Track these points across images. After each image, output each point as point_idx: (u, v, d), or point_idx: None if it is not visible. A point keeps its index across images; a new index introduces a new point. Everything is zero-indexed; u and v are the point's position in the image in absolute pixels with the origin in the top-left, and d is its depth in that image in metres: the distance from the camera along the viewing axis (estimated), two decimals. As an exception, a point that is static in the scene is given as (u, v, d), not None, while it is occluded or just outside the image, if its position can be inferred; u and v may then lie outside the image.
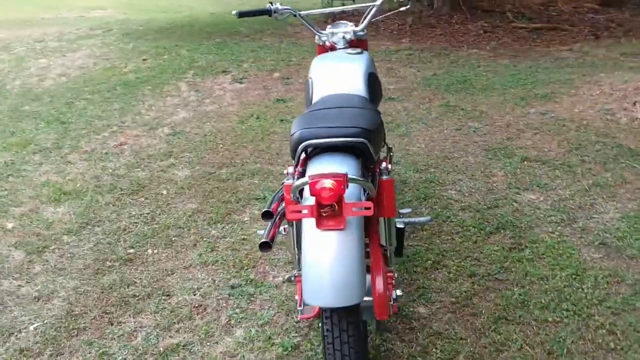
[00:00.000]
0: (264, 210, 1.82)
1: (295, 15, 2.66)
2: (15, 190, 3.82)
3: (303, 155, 1.90)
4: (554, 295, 2.55)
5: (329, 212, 1.59)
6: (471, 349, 2.29)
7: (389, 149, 2.68)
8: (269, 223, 1.80)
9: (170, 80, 6.32)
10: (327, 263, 1.60)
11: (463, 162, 3.91)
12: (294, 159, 1.87)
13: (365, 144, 1.80)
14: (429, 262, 2.84)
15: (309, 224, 1.63)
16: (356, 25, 2.70)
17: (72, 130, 4.94)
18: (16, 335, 2.44)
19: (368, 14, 2.69)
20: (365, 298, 1.86)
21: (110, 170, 4.06)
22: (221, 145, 4.39)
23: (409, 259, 2.86)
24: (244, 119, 4.93)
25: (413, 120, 4.74)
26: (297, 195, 1.73)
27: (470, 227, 3.12)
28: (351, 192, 1.67)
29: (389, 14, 2.93)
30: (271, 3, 2.61)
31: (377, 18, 2.72)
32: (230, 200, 3.52)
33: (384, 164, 1.95)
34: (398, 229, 2.23)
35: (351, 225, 1.62)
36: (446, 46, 7.22)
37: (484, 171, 3.76)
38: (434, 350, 2.29)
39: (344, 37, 2.64)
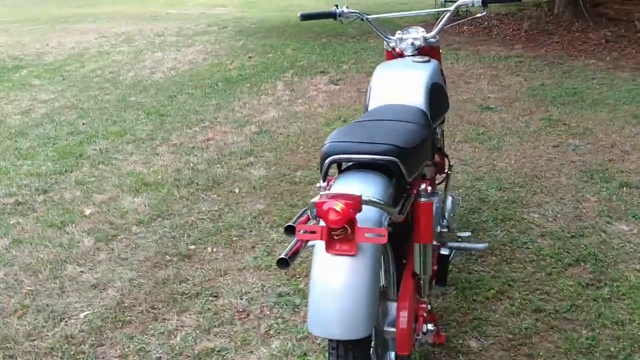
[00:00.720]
0: (286, 225, 1.72)
1: (362, 19, 2.54)
2: (102, 177, 4.01)
3: (334, 169, 1.79)
4: (627, 344, 2.24)
5: (341, 235, 1.46)
6: (518, 394, 2.07)
7: (450, 167, 2.49)
8: (294, 239, 1.69)
9: (270, 79, 6.40)
10: (333, 291, 1.47)
11: (554, 183, 3.59)
12: (321, 172, 1.76)
13: (396, 163, 1.65)
14: (492, 291, 2.61)
15: (319, 247, 1.51)
16: (428, 32, 2.52)
17: (168, 123, 5.12)
18: (66, 322, 2.52)
19: (441, 20, 2.50)
20: (390, 329, 1.73)
21: (191, 165, 4.16)
22: (301, 147, 4.36)
23: (470, 285, 2.65)
24: (330, 121, 4.86)
25: (508, 133, 4.45)
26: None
27: (547, 257, 2.84)
28: (371, 216, 1.53)
29: (462, 20, 2.72)
30: (337, 6, 2.50)
31: (452, 24, 2.53)
32: (298, 204, 3.46)
33: (422, 185, 1.79)
34: (442, 256, 2.06)
35: (364, 251, 1.48)
36: (561, 55, 6.74)
37: (575, 195, 3.43)
38: (476, 390, 2.10)
39: (413, 44, 2.47)
